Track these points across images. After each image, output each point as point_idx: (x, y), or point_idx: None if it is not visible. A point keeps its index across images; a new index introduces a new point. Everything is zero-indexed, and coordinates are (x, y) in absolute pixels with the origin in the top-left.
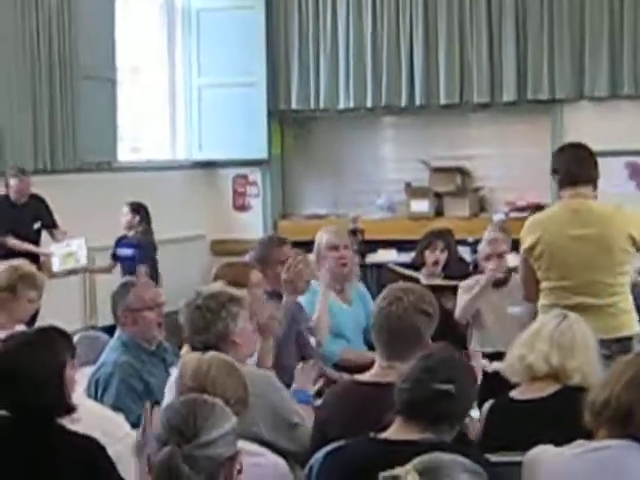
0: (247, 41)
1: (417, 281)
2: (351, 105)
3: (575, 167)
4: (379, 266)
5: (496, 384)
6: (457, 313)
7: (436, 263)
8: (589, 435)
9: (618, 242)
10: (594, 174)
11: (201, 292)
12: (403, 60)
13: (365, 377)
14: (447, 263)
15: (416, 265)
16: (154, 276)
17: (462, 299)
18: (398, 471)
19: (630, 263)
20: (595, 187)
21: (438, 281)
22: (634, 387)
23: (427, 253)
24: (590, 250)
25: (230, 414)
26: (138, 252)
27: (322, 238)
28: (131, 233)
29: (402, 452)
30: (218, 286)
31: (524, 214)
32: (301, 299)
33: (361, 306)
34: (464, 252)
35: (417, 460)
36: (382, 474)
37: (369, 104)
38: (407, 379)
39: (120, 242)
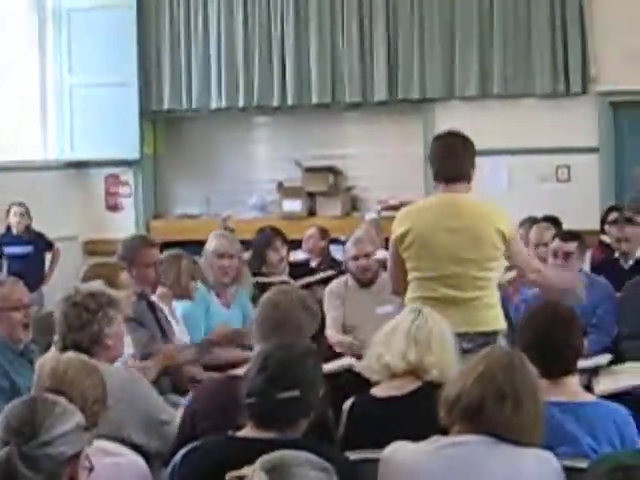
0: (118, 41)
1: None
2: (223, 105)
3: (448, 161)
4: None
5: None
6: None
7: (280, 261)
8: (447, 431)
9: (489, 237)
10: (468, 167)
11: (80, 289)
12: (275, 60)
13: (239, 372)
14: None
15: (258, 265)
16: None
17: (330, 313)
18: (245, 470)
19: (499, 259)
20: (469, 180)
21: (308, 279)
22: (485, 382)
23: (270, 252)
24: (460, 243)
25: (73, 412)
26: (34, 249)
27: (211, 243)
28: (21, 231)
29: (257, 450)
30: (97, 285)
31: (396, 213)
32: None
33: (239, 310)
34: (337, 251)
35: (264, 459)
36: (228, 474)
37: (241, 104)
38: (251, 392)
39: (7, 241)
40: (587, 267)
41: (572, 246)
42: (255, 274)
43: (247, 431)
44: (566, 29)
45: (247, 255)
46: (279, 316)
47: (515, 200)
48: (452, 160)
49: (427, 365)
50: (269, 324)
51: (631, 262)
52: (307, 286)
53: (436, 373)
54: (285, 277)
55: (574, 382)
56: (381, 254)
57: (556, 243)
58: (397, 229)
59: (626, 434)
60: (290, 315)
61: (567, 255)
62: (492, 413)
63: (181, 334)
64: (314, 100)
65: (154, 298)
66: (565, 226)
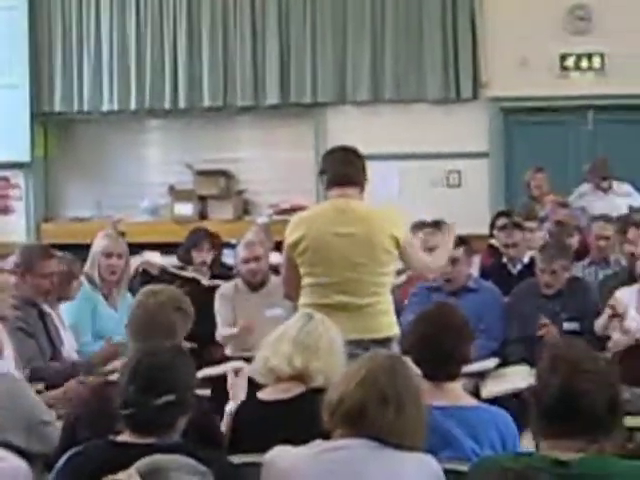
0: (9, 42)
1: (198, 282)
2: (115, 107)
3: (342, 168)
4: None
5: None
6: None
7: (203, 263)
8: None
9: (381, 242)
10: (361, 177)
11: None
12: (167, 63)
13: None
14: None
15: (182, 265)
16: None
17: (221, 315)
18: (121, 475)
19: (392, 264)
20: (362, 190)
21: (218, 282)
22: (366, 385)
23: (194, 253)
24: (352, 249)
25: None
26: None
27: (98, 243)
28: None
29: (136, 455)
30: None
31: (288, 217)
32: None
33: (126, 313)
34: (228, 255)
35: (141, 463)
36: (104, 478)
37: (133, 106)
38: (126, 403)
39: None
40: (476, 272)
41: (458, 252)
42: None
43: (126, 436)
44: (457, 35)
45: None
46: (147, 317)
47: (406, 205)
48: (345, 166)
49: (313, 371)
50: (137, 325)
51: (519, 267)
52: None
53: (322, 379)
54: (197, 275)
55: (457, 387)
56: (273, 258)
57: None
58: (291, 235)
59: (508, 437)
60: (159, 316)
61: (454, 261)
62: (374, 417)
63: (69, 342)
64: (206, 103)
65: (46, 307)
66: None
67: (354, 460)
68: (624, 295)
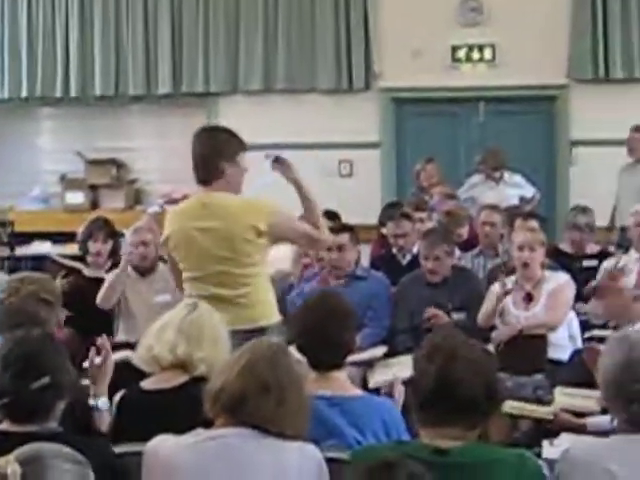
0: None
1: (79, 272)
2: (6, 95)
3: (196, 166)
4: (36, 258)
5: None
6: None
7: (99, 254)
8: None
9: (240, 234)
10: (218, 164)
11: None
12: (59, 50)
13: None
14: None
15: (82, 256)
16: None
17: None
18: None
19: (259, 253)
20: (223, 176)
21: (102, 273)
22: (247, 374)
23: (90, 244)
24: (214, 243)
25: None
26: None
27: None
28: None
29: (16, 444)
30: None
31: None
32: None
33: None
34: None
35: (19, 451)
36: None
37: (24, 94)
38: (4, 392)
39: None
40: (367, 261)
41: (344, 238)
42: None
43: (5, 425)
44: (350, 26)
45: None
46: (11, 307)
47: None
48: (198, 165)
49: (196, 360)
50: (3, 315)
51: (409, 257)
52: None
53: (204, 368)
54: (79, 265)
55: (343, 376)
56: None
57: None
58: (165, 230)
59: (392, 427)
60: (21, 306)
61: (340, 247)
62: (255, 406)
63: None
64: (98, 92)
65: None
66: (347, 221)
67: (234, 449)
68: (497, 288)
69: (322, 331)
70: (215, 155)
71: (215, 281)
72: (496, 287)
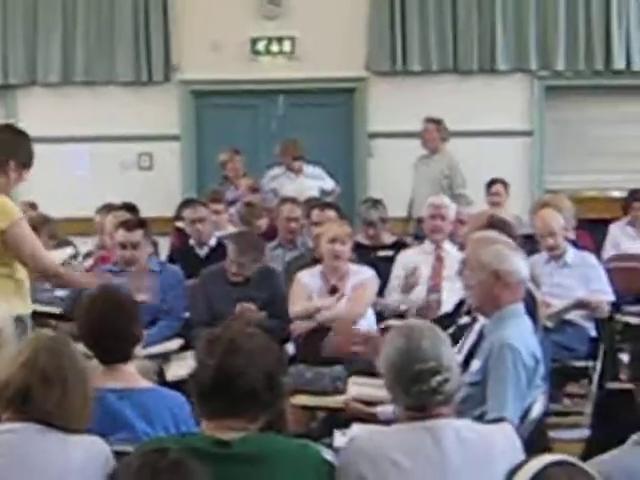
0: None
1: None
2: None
3: None
4: None
5: None
6: None
7: None
8: None
9: None
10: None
11: None
12: None
13: None
14: None
15: None
16: None
17: None
18: None
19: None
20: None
21: None
22: (29, 367)
23: None
24: None
25: None
26: None
27: None
28: None
29: None
30: None
31: None
32: None
33: None
34: None
35: None
36: None
37: None
38: None
39: None
40: (166, 253)
41: (137, 235)
42: None
43: None
44: (149, 18)
45: None
46: None
47: (98, 187)
48: None
49: None
50: None
51: (206, 250)
52: None
53: None
54: None
55: (132, 369)
56: None
57: (121, 233)
58: None
59: (181, 420)
60: None
61: (135, 245)
62: (39, 399)
63: None
64: None
65: None
66: (147, 214)
67: (18, 444)
68: (308, 278)
69: (109, 323)
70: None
71: None
72: (304, 276)
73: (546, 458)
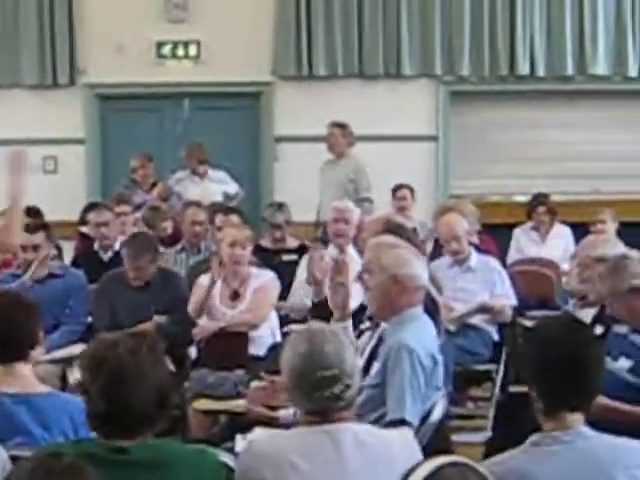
0: None
1: None
2: None
3: None
4: None
5: None
6: None
7: None
8: None
9: None
10: None
11: None
12: None
13: None
14: None
15: None
16: None
17: None
18: None
19: None
20: None
21: None
22: None
23: None
24: None
25: None
26: None
27: None
28: None
29: None
30: None
31: None
32: None
33: None
34: None
35: None
36: None
37: None
38: None
39: None
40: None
41: (39, 237)
42: None
43: None
44: (54, 20)
45: None
46: None
47: (1, 191)
48: None
49: None
50: None
51: (110, 254)
52: None
53: None
54: None
55: (28, 372)
56: None
57: (23, 236)
58: None
59: (80, 425)
60: None
61: (35, 247)
62: None
63: None
64: None
65: None
66: (51, 217)
67: None
68: (206, 280)
69: (5, 319)
70: None
71: None
72: (205, 279)
73: (440, 459)
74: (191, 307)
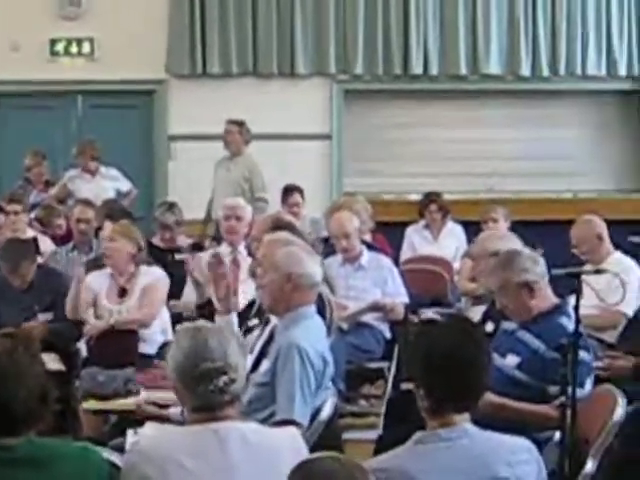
0: None
1: None
2: None
3: None
4: None
5: None
6: None
7: None
8: None
9: None
10: None
11: None
12: None
13: None
14: None
15: None
16: None
17: None
18: None
19: None
20: None
21: None
22: None
23: None
24: None
25: None
26: None
27: None
28: None
29: None
30: None
31: None
32: None
33: None
34: None
35: None
36: None
37: None
38: None
39: None
40: None
41: None
42: None
43: None
44: None
45: None
46: None
47: None
48: None
49: None
50: None
51: None
52: None
53: None
54: None
55: None
56: None
57: None
58: None
59: None
60: None
61: None
62: None
63: None
64: None
65: None
66: None
67: None
68: (95, 279)
69: None
70: None
71: None
72: (90, 278)
73: (317, 455)
74: (67, 306)
